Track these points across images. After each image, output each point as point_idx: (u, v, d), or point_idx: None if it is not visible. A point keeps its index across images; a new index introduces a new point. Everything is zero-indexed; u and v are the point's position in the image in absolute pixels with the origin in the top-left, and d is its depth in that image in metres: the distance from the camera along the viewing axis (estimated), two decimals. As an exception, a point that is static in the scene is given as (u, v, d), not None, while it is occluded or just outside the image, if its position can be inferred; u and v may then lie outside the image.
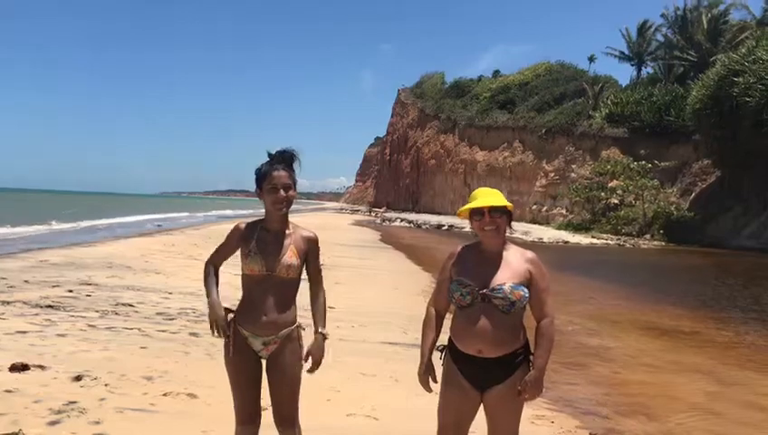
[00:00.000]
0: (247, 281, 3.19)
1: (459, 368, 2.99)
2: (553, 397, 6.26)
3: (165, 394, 5.10)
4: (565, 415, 5.69)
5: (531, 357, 3.00)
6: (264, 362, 3.21)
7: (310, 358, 3.23)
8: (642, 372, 7.59)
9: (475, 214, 3.00)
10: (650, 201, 42.17)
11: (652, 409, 6.08)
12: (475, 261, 3.01)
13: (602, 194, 46.16)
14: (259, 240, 3.17)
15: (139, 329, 7.47)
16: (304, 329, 3.29)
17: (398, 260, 21.20)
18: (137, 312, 8.56)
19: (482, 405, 3.04)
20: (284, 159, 3.18)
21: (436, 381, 3.11)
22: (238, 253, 3.23)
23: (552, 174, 55.47)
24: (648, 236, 39.81)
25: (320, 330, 3.26)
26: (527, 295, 2.93)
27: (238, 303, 3.24)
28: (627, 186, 43.57)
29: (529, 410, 5.68)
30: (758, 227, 34.16)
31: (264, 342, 3.16)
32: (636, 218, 42.34)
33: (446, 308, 3.16)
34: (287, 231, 3.22)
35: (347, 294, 11.74)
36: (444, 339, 3.14)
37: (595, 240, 38.10)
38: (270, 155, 3.19)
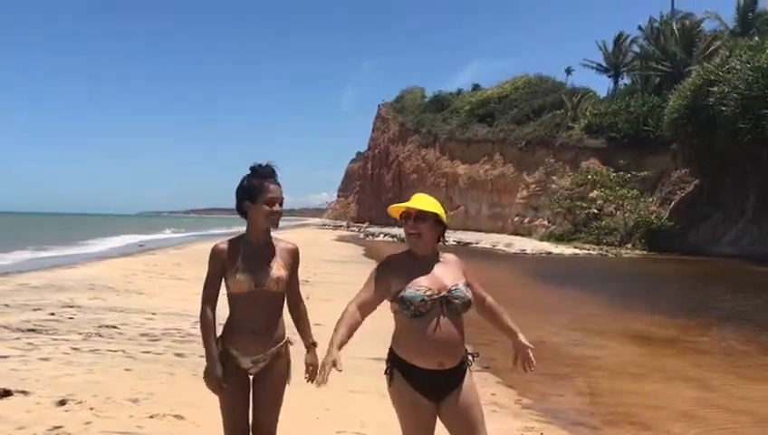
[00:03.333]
0: (235, 299, 3.12)
1: (414, 385, 2.92)
2: (542, 409, 6.28)
3: (151, 416, 5.04)
4: (554, 427, 5.70)
5: (470, 358, 3.03)
6: (251, 377, 3.18)
7: (311, 371, 3.19)
8: (629, 381, 7.63)
9: (404, 216, 3.04)
10: (631, 211, 42.57)
11: (641, 417, 6.11)
12: (417, 266, 2.99)
13: (583, 204, 46.53)
14: (245, 256, 3.11)
15: (123, 351, 7.39)
16: (293, 343, 3.27)
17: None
18: (120, 333, 8.47)
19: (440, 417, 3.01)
20: (272, 172, 3.15)
21: (339, 370, 2.76)
22: None
23: (533, 186, 55.82)
24: (629, 245, 40.14)
25: (311, 341, 3.28)
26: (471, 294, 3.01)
27: (225, 321, 3.18)
28: (607, 196, 43.97)
29: (519, 423, 5.70)
30: (737, 235, 34.58)
31: (253, 360, 3.12)
32: (617, 228, 42.69)
33: (368, 313, 3.05)
34: (270, 244, 3.18)
35: (333, 310, 11.65)
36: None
37: (577, 250, 38.34)
38: (256, 168, 3.14)
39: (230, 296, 3.13)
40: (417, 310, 2.88)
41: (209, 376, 3.09)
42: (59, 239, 36.60)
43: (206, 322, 3.13)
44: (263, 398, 3.16)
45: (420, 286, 2.91)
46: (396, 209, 3.09)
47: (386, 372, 3.01)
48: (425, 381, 2.90)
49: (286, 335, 3.23)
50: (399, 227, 3.12)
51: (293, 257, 3.23)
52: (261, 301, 3.09)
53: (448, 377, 2.93)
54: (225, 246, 3.15)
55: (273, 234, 3.25)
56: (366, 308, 3.02)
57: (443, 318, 2.89)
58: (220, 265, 3.12)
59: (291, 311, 3.28)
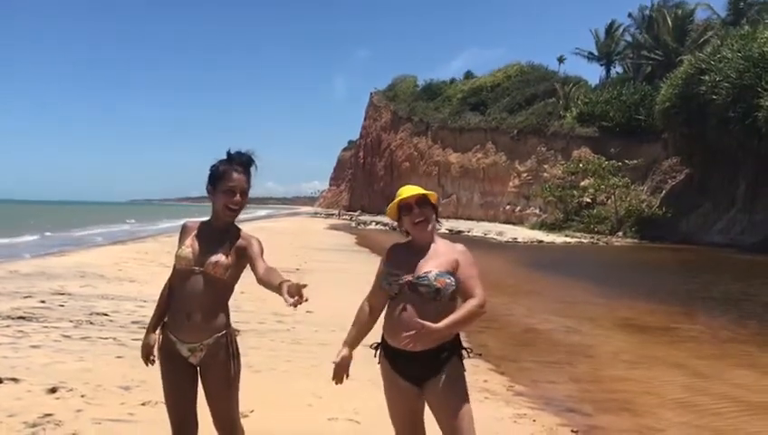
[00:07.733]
0: (175, 277, 3.09)
1: (393, 365, 2.98)
2: (534, 395, 6.29)
3: (143, 404, 5.03)
4: (547, 413, 5.71)
5: (462, 351, 2.99)
6: (198, 369, 3.07)
7: (292, 289, 2.59)
8: (621, 368, 7.66)
9: (404, 210, 3.04)
10: (622, 199, 42.71)
11: (633, 404, 6.13)
12: (406, 254, 3.05)
13: (574, 193, 46.64)
14: (198, 235, 3.09)
15: (114, 338, 7.36)
16: (239, 332, 3.11)
17: (374, 263, 20.84)
18: (112, 321, 8.44)
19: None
20: (243, 161, 3.08)
21: (347, 377, 3.18)
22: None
23: (525, 174, 55.90)
24: (620, 233, 40.29)
25: (281, 280, 2.70)
26: (453, 283, 2.92)
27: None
28: (598, 185, 44.09)
29: (510, 410, 5.71)
30: (727, 223, 34.74)
31: (190, 348, 3.02)
32: (608, 217, 42.85)
33: (379, 307, 3.12)
34: (228, 231, 3.09)
35: (325, 298, 11.67)
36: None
37: (569, 239, 38.44)
38: (229, 155, 3.08)
39: (173, 274, 3.11)
40: (387, 294, 2.99)
41: (142, 344, 3.19)
42: (45, 227, 36.39)
43: (161, 293, 3.20)
44: (209, 387, 3.05)
45: (392, 271, 2.99)
46: (394, 209, 3.08)
47: (372, 346, 3.10)
48: (399, 361, 2.96)
49: (229, 328, 3.09)
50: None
51: (248, 245, 3.03)
52: (198, 284, 2.99)
53: (422, 361, 2.90)
54: (191, 223, 3.20)
55: (243, 227, 3.16)
56: (375, 303, 3.14)
57: (410, 303, 2.90)
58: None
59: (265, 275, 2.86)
